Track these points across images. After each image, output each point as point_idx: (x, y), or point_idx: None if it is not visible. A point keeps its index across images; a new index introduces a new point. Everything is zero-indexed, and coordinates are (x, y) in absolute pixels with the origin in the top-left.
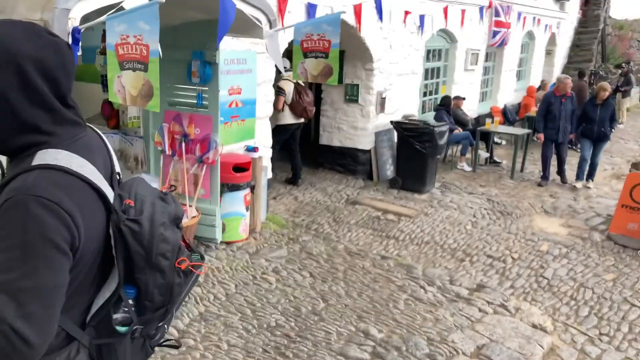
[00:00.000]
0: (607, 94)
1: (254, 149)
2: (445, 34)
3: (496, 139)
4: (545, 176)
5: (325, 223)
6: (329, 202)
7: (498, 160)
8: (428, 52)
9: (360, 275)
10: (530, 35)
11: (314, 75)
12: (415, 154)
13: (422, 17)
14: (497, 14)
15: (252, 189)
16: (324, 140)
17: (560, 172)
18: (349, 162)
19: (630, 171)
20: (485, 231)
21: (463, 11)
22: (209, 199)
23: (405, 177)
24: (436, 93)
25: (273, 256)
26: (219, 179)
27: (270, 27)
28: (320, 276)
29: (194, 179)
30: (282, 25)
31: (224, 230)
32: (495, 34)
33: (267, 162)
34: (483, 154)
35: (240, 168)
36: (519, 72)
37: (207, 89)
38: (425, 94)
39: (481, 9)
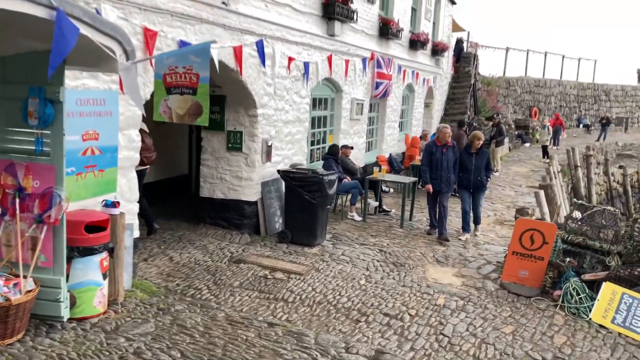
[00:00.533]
0: (480, 142)
1: (114, 204)
2: (331, 83)
3: (384, 188)
4: (433, 224)
5: (204, 287)
6: (209, 262)
7: (387, 209)
8: (314, 100)
9: (243, 350)
10: (410, 88)
11: (179, 115)
12: (305, 205)
13: (306, 65)
14: (379, 66)
15: (111, 251)
16: (205, 192)
17: (441, 224)
18: (233, 216)
19: (515, 217)
20: (380, 285)
21: (347, 61)
22: (52, 268)
23: (295, 230)
24: (324, 142)
25: (136, 333)
26: (65, 242)
27: (127, 59)
28: (193, 355)
29: (31, 243)
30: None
31: (73, 304)
32: (378, 85)
33: (133, 219)
34: (372, 202)
35: (95, 227)
36: (401, 123)
37: (48, 132)
38: (312, 143)
39: (364, 60)
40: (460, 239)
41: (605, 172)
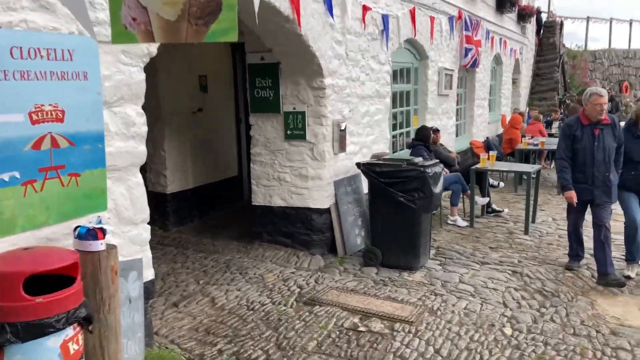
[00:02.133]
0: None
1: (96, 233)
2: (414, 47)
3: (492, 181)
4: (575, 254)
5: (262, 354)
6: (269, 305)
7: (498, 209)
8: (394, 69)
9: None
10: (497, 59)
11: (168, 24)
12: (400, 211)
13: (385, 18)
14: (466, 28)
15: (88, 322)
16: (259, 199)
17: (602, 256)
18: (298, 230)
19: None
20: (537, 335)
21: (432, 19)
22: None
23: (387, 247)
24: (407, 125)
25: None
26: None
27: None
28: None
29: None
30: None
31: None
32: (466, 52)
33: (141, 251)
34: (480, 201)
35: (55, 279)
36: (490, 102)
37: None
38: (394, 127)
39: (451, 19)
40: (625, 275)
41: None
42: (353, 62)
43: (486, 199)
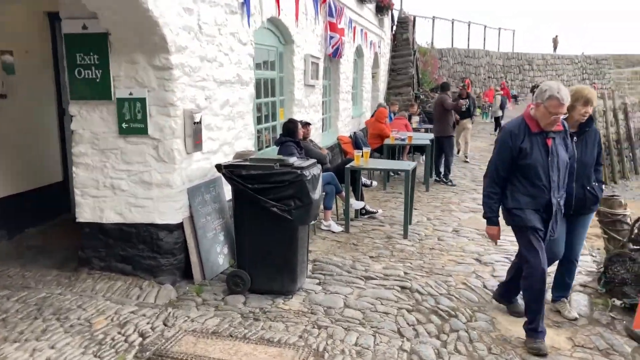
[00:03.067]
0: (589, 111)
1: None
2: (277, 28)
3: (365, 180)
4: (506, 289)
5: None
6: None
7: (372, 210)
8: (257, 52)
9: None
10: (359, 52)
11: None
12: (272, 223)
13: None
14: (330, 13)
15: None
16: (87, 214)
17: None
18: (141, 253)
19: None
20: None
21: None
22: None
23: (256, 268)
24: (273, 119)
25: None
26: None
27: None
28: None
29: None
30: None
31: None
32: (330, 40)
33: None
34: (356, 203)
35: None
36: (353, 95)
37: None
38: (258, 120)
39: (316, 1)
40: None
41: None
42: (208, 37)
43: (361, 203)
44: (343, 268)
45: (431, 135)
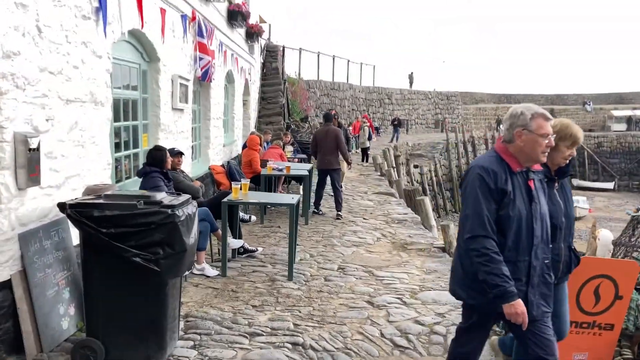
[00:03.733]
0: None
1: None
2: (140, 43)
3: (243, 215)
4: None
5: None
6: None
7: (251, 248)
8: (115, 68)
9: None
10: (230, 77)
11: None
12: (134, 276)
13: None
14: (200, 33)
15: None
16: None
17: None
18: None
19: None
20: None
21: (163, 12)
22: None
23: (112, 335)
24: (135, 146)
25: None
26: None
27: None
28: None
29: None
30: None
31: None
32: (200, 61)
33: None
34: (234, 243)
35: None
36: (224, 122)
37: None
38: (117, 147)
39: (184, 17)
40: None
41: (408, 172)
42: (52, 44)
43: (240, 241)
44: (222, 324)
45: (309, 166)
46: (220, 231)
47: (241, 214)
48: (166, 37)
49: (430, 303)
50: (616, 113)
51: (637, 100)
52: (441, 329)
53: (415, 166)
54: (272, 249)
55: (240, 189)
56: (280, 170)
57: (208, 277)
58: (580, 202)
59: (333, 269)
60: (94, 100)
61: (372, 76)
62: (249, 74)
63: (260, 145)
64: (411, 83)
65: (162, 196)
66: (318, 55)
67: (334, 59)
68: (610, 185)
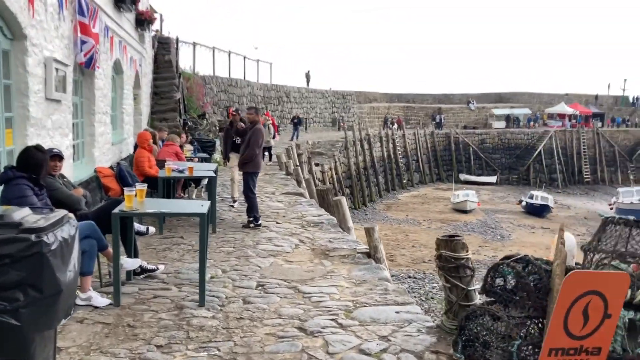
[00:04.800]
0: None
1: None
2: None
3: (139, 227)
4: None
5: None
6: None
7: (150, 267)
8: None
9: None
10: (117, 67)
11: None
12: None
13: None
14: (81, 12)
15: None
16: None
17: None
18: None
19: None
20: None
21: None
22: None
23: None
24: None
25: None
26: None
27: None
28: None
29: None
30: None
31: None
32: (82, 44)
33: None
34: (129, 264)
35: None
36: (112, 118)
37: None
38: None
39: None
40: None
41: (310, 170)
42: None
43: (137, 261)
44: None
45: (214, 166)
46: (110, 249)
47: (136, 226)
48: (36, 10)
49: (370, 323)
50: (497, 112)
51: (514, 100)
52: (390, 358)
53: (317, 164)
54: (176, 266)
55: (135, 196)
56: (182, 171)
57: (96, 308)
58: (470, 195)
59: (251, 287)
60: None
61: (269, 73)
62: (140, 65)
63: (155, 143)
64: (308, 81)
65: (23, 215)
66: (213, 50)
67: (229, 54)
68: (493, 179)
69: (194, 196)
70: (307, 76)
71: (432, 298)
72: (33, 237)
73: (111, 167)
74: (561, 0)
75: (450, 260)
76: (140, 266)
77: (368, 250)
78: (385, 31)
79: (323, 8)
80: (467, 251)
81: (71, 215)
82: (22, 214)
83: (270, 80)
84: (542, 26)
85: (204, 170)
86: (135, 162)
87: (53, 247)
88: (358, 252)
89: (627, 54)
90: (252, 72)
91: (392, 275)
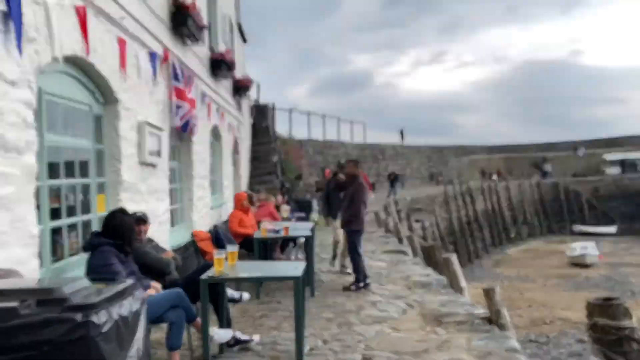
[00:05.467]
0: None
1: None
2: (90, 78)
3: (232, 293)
4: None
5: None
6: None
7: (244, 338)
8: (49, 105)
9: None
10: (216, 133)
11: None
12: None
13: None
14: (175, 77)
15: None
16: None
17: None
18: None
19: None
20: None
21: (122, 42)
22: None
23: None
24: (85, 211)
25: None
26: None
27: None
28: None
29: None
30: None
31: None
32: (177, 109)
33: None
34: (221, 335)
35: None
36: (211, 183)
37: None
38: (56, 213)
39: (153, 56)
40: None
41: (410, 227)
42: None
43: (229, 332)
44: None
45: (310, 225)
46: (199, 319)
47: (230, 292)
48: (129, 74)
49: None
50: (609, 157)
51: (627, 143)
52: None
53: (417, 220)
54: (273, 335)
55: (226, 259)
56: (278, 231)
57: None
58: (589, 248)
59: None
60: (5, 147)
61: (362, 133)
62: (238, 131)
63: (252, 204)
64: (402, 138)
65: (78, 287)
66: (308, 115)
67: (324, 117)
68: (612, 229)
69: (292, 257)
70: (402, 133)
71: None
72: (79, 316)
73: (209, 231)
74: None
75: (609, 330)
76: (233, 336)
77: (489, 315)
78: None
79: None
80: (631, 318)
81: (137, 285)
82: (76, 287)
83: (364, 139)
84: None
85: (300, 229)
86: (233, 223)
87: (105, 328)
88: (477, 318)
89: None
90: (345, 133)
91: None
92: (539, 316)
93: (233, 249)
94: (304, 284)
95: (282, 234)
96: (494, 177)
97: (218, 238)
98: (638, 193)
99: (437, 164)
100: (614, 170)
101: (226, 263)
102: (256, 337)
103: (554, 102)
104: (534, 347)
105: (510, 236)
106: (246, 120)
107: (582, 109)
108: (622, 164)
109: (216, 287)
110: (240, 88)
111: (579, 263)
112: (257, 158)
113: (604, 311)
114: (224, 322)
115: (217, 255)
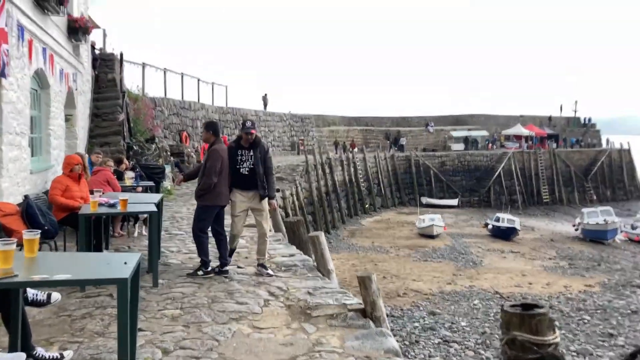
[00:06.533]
0: None
1: None
2: None
3: (36, 294)
4: None
5: None
6: None
7: (53, 356)
8: None
9: None
10: (41, 78)
11: None
12: None
13: None
14: None
15: None
16: None
17: None
18: None
19: None
20: None
21: None
22: None
23: None
24: None
25: None
26: None
27: None
28: None
29: None
30: None
31: None
32: None
33: None
34: (8, 358)
35: None
36: (31, 141)
37: None
38: None
39: None
40: None
41: None
42: None
43: (20, 356)
44: None
45: (157, 197)
46: None
47: (31, 292)
48: None
49: None
50: (455, 134)
51: (471, 122)
52: None
53: (277, 190)
54: (96, 345)
55: (21, 249)
56: (113, 205)
57: None
58: (436, 220)
59: None
60: None
61: (224, 96)
62: (74, 81)
63: (85, 170)
64: (265, 105)
65: None
66: (165, 72)
67: (182, 76)
68: (455, 202)
69: (135, 234)
70: (265, 99)
71: (416, 342)
72: None
73: (19, 205)
74: (514, 28)
75: (530, 348)
76: (35, 353)
77: (363, 307)
78: (343, 57)
79: (282, 32)
80: (555, 331)
81: None
82: None
83: (226, 103)
84: (495, 50)
85: (142, 203)
86: (53, 197)
87: None
88: (349, 310)
89: (578, 76)
90: (206, 96)
91: None
92: (393, 288)
93: (31, 235)
94: (133, 290)
95: (119, 208)
96: (355, 149)
97: (30, 213)
98: (478, 168)
99: (299, 133)
100: (459, 147)
101: (23, 257)
102: (67, 354)
103: None
104: (389, 321)
105: (365, 207)
106: (86, 70)
107: None
108: (466, 140)
109: (5, 291)
110: (77, 28)
111: (427, 234)
112: (100, 115)
113: (524, 323)
114: (18, 337)
115: (27, 235)
